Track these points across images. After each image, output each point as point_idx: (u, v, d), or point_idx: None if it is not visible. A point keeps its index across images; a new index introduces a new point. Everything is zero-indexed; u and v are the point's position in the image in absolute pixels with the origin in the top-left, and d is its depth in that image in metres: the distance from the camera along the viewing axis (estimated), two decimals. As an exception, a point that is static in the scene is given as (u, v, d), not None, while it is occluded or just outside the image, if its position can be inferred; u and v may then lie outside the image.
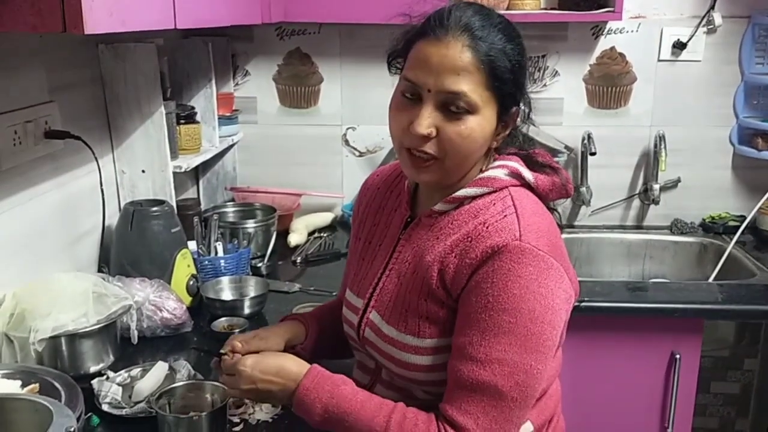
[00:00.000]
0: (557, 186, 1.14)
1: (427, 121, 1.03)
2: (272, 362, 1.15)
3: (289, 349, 1.33)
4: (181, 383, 1.28)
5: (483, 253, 1.02)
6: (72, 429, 0.87)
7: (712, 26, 2.38)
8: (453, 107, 1.03)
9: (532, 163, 1.15)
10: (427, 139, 1.04)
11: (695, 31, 2.39)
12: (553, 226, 1.10)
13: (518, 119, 1.13)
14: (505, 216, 1.05)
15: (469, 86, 1.02)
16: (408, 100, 1.06)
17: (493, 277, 1.00)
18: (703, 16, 2.37)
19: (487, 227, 1.04)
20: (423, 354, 1.09)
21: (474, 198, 1.10)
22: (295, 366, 1.13)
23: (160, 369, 1.41)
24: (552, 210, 1.16)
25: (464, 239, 1.06)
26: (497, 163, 1.13)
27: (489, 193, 1.10)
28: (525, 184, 1.12)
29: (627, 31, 2.42)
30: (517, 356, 1.00)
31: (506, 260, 1.00)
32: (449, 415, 1.02)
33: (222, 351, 1.24)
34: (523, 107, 1.12)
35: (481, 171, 1.13)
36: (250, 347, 1.23)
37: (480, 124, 1.04)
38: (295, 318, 1.39)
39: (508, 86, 1.05)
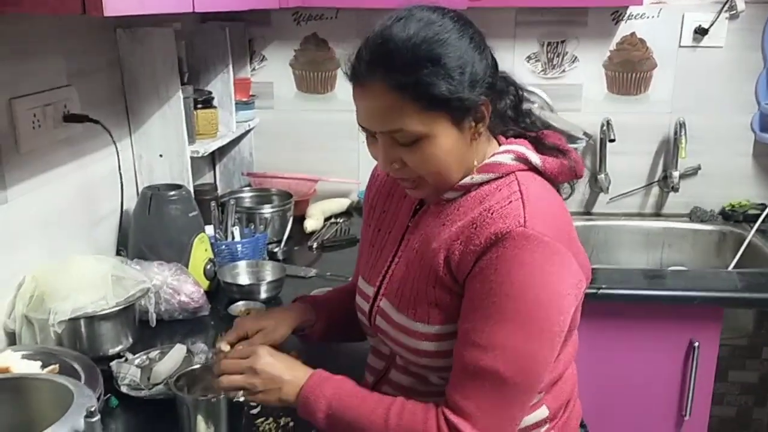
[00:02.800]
0: (566, 168, 1.12)
1: (385, 160, 1.06)
2: (283, 359, 1.15)
3: (298, 332, 1.35)
4: (199, 365, 1.28)
5: (487, 239, 1.01)
6: (92, 409, 0.88)
7: (734, 12, 2.34)
8: (402, 140, 1.02)
9: (540, 146, 1.13)
10: (398, 170, 1.06)
11: (717, 17, 2.35)
12: (561, 211, 1.08)
13: (490, 107, 1.06)
14: (510, 202, 1.04)
15: (404, 120, 1.00)
16: (369, 138, 1.08)
17: (497, 263, 0.99)
18: (726, 2, 2.33)
19: (491, 214, 1.03)
20: (433, 340, 1.08)
21: (481, 184, 1.09)
22: (302, 367, 1.14)
23: (178, 351, 1.42)
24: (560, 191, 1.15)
25: (469, 226, 1.05)
26: (503, 148, 1.11)
27: (496, 179, 1.09)
28: (533, 167, 1.11)
29: (648, 17, 2.39)
30: (520, 342, 0.99)
31: (510, 246, 0.99)
32: (452, 400, 1.02)
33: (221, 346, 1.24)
34: (487, 99, 1.04)
35: (491, 156, 1.11)
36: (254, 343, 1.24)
37: (437, 144, 1.02)
38: (307, 301, 1.39)
39: (446, 98, 0.99)
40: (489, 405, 1.00)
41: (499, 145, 1.13)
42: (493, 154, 1.10)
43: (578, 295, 1.06)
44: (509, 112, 1.15)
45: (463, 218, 1.07)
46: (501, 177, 1.08)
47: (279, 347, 1.29)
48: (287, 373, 1.11)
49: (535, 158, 1.10)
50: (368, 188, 1.33)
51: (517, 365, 0.99)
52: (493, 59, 1.07)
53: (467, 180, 1.09)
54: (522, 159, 1.10)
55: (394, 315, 1.13)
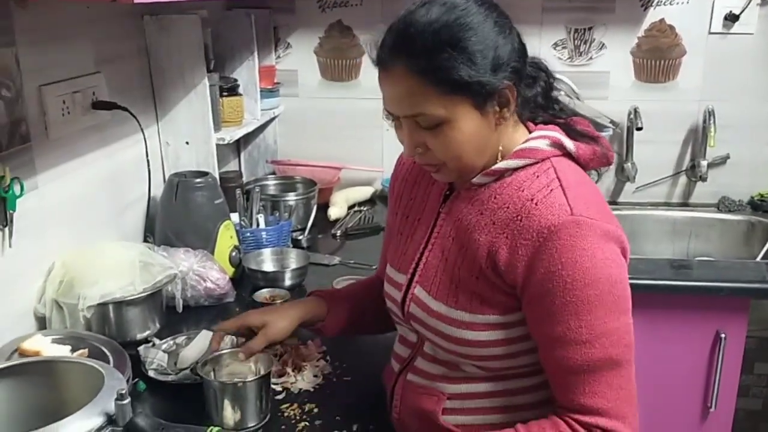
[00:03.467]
0: (598, 154, 1.12)
1: (410, 144, 1.06)
2: None
3: (308, 326, 1.35)
4: (226, 350, 1.29)
5: (539, 234, 1.00)
6: (123, 391, 0.89)
7: (766, -2, 2.31)
8: (425, 123, 1.02)
9: (571, 132, 1.12)
10: (422, 154, 1.06)
11: (748, 3, 2.31)
12: (597, 193, 1.08)
13: (519, 90, 1.05)
14: (552, 190, 1.03)
15: (426, 104, 1.00)
16: (396, 122, 1.08)
17: (561, 258, 0.98)
18: (758, -13, 2.30)
19: (535, 204, 1.02)
20: (477, 330, 1.07)
21: (515, 170, 1.08)
22: None
23: (204, 337, 1.42)
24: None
25: (514, 219, 1.03)
26: (537, 133, 1.10)
27: (531, 165, 1.08)
28: (566, 153, 1.10)
29: (677, 3, 2.36)
30: (616, 322, 1.00)
31: (566, 236, 0.99)
32: (577, 403, 1.01)
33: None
34: (512, 83, 1.02)
35: (525, 141, 1.10)
36: (259, 345, 1.26)
37: (460, 128, 1.02)
38: (321, 295, 1.39)
39: (467, 82, 0.99)
40: (615, 392, 1.01)
41: (529, 131, 1.12)
42: (528, 140, 1.10)
43: (627, 264, 1.08)
44: (540, 99, 1.14)
45: (503, 208, 1.06)
46: (536, 163, 1.08)
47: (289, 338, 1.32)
48: None
49: (569, 144, 1.10)
50: (393, 177, 1.33)
51: (621, 344, 1.01)
52: (521, 44, 1.06)
53: (501, 165, 1.08)
54: (557, 145, 1.09)
55: (431, 303, 1.12)
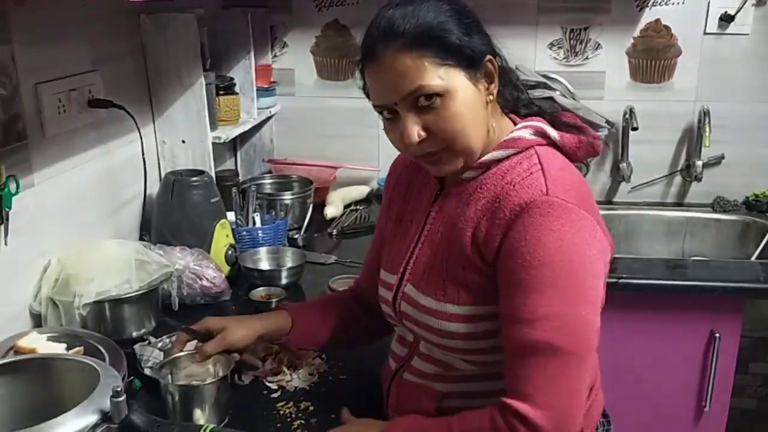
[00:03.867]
0: (584, 143, 1.13)
1: (412, 129, 1.05)
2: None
3: (272, 340, 1.35)
4: (183, 353, 1.28)
5: (511, 211, 1.01)
6: (118, 389, 0.89)
7: (761, -2, 2.31)
8: (424, 101, 1.03)
9: (557, 124, 1.14)
10: (424, 141, 1.06)
11: (743, 4, 2.32)
12: (581, 182, 1.08)
13: (499, 66, 1.09)
14: (531, 173, 1.04)
15: (421, 77, 1.01)
16: (389, 119, 1.08)
17: (525, 234, 0.99)
18: (753, -12, 2.31)
19: (514, 186, 1.04)
20: (461, 321, 1.08)
21: (501, 161, 1.10)
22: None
23: (199, 335, 1.43)
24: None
25: (493, 201, 1.05)
26: (522, 124, 1.12)
27: (515, 154, 1.09)
28: (551, 143, 1.11)
29: (673, 3, 2.37)
30: (565, 308, 0.98)
31: (536, 215, 0.99)
32: (507, 384, 1.00)
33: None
34: (496, 55, 1.08)
35: (511, 132, 1.12)
36: (214, 349, 1.26)
37: (458, 98, 1.03)
38: (286, 309, 1.38)
39: (458, 46, 1.03)
40: (544, 380, 0.97)
41: (515, 124, 1.14)
42: (513, 131, 1.11)
43: (606, 263, 1.07)
44: (515, 93, 1.16)
45: (486, 195, 1.07)
46: (521, 152, 1.09)
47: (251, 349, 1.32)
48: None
49: (553, 133, 1.11)
50: (388, 180, 1.33)
51: (566, 332, 0.97)
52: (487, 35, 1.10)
53: (487, 157, 1.09)
54: (541, 133, 1.11)
55: (421, 298, 1.13)
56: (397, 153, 1.37)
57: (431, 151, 1.07)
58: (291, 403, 1.29)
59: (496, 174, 1.09)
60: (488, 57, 1.06)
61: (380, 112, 1.09)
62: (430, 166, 1.11)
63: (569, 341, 0.98)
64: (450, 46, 1.02)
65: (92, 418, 0.89)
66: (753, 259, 2.15)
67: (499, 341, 1.07)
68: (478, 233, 1.06)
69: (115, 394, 0.89)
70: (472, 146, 1.07)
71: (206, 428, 0.96)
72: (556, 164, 1.06)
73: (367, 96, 1.13)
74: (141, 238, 1.84)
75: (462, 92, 1.04)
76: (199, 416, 1.20)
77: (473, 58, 1.04)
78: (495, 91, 1.08)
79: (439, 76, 1.02)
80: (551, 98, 2.23)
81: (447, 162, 1.08)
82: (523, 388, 0.98)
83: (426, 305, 1.12)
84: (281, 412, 1.27)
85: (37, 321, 1.46)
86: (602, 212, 1.11)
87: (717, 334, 1.92)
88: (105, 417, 0.90)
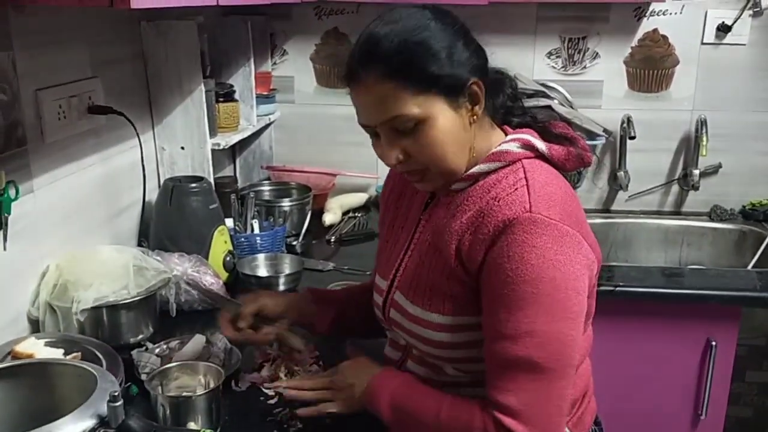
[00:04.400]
0: (573, 155, 1.13)
1: (390, 152, 1.07)
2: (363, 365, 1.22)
3: (305, 325, 1.39)
4: (174, 364, 1.28)
5: (495, 227, 1.02)
6: (116, 393, 0.90)
7: (758, 9, 2.33)
8: (402, 126, 1.04)
9: (548, 135, 1.14)
10: (404, 162, 1.08)
11: (740, 14, 2.34)
12: (567, 195, 1.09)
13: (487, 84, 1.09)
14: (516, 189, 1.05)
15: (401, 106, 1.02)
16: (374, 136, 1.10)
17: (509, 251, 1.00)
18: (750, -1, 2.32)
19: (498, 201, 1.05)
20: (447, 331, 1.10)
21: (488, 173, 1.10)
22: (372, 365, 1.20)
23: (197, 341, 1.43)
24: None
25: (478, 215, 1.06)
26: (510, 137, 1.13)
27: (503, 167, 1.10)
28: (540, 155, 1.12)
29: (670, 13, 2.38)
30: (546, 325, 0.99)
31: (519, 232, 1.00)
32: (492, 398, 1.02)
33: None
34: (477, 78, 1.06)
35: (498, 145, 1.12)
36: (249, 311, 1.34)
37: (436, 125, 1.04)
38: (311, 292, 1.43)
39: (436, 75, 1.03)
40: (529, 395, 1.00)
41: (506, 135, 1.14)
42: (500, 143, 1.12)
43: (592, 277, 1.08)
44: (509, 103, 1.17)
45: (472, 208, 1.08)
46: (508, 165, 1.10)
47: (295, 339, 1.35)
48: (362, 374, 1.17)
49: (541, 145, 1.11)
50: (384, 188, 1.36)
51: (547, 349, 1.00)
52: (481, 49, 1.10)
53: (475, 169, 1.10)
54: (528, 146, 1.11)
55: (408, 307, 1.14)
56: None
57: (412, 170, 1.09)
58: (288, 410, 1.29)
59: (483, 187, 1.09)
60: (472, 81, 1.05)
61: (365, 130, 1.11)
62: (414, 183, 1.14)
63: (550, 357, 1.00)
64: (430, 76, 1.02)
65: (89, 423, 0.90)
66: (750, 267, 2.16)
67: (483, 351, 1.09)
68: (462, 246, 1.07)
69: (112, 398, 0.90)
70: (451, 168, 1.08)
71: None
72: (541, 179, 1.07)
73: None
74: (139, 244, 1.85)
75: (442, 119, 1.04)
76: (192, 427, 1.19)
77: (454, 86, 1.05)
78: (480, 112, 1.09)
79: (418, 104, 1.02)
80: (549, 107, 2.24)
81: (428, 180, 1.11)
82: (504, 399, 1.01)
83: (413, 314, 1.13)
84: (278, 419, 1.27)
85: (35, 326, 1.46)
86: (600, 221, 1.11)
87: (714, 342, 1.92)
88: (102, 421, 0.90)
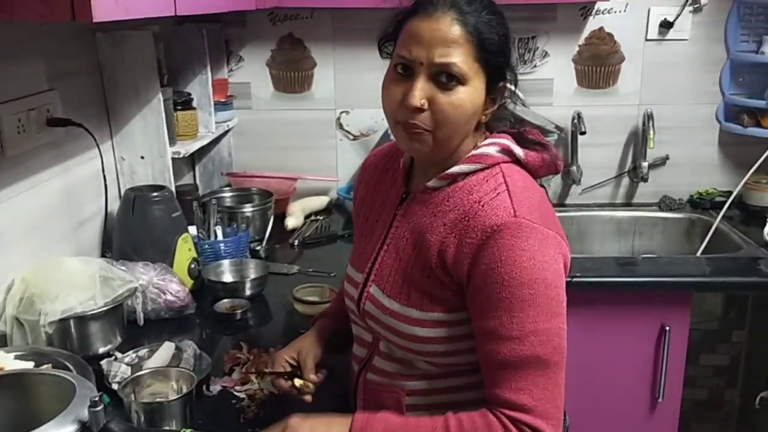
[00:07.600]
0: (547, 162, 1.18)
1: (419, 93, 1.07)
2: (317, 419, 1.13)
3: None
4: (146, 371, 1.29)
5: (482, 233, 1.06)
6: (96, 398, 0.91)
7: (698, 5, 2.42)
8: (444, 78, 1.07)
9: (522, 141, 1.19)
10: (420, 111, 1.08)
11: (682, 11, 2.43)
12: (543, 199, 1.14)
13: (505, 95, 1.16)
14: (498, 194, 1.09)
15: (460, 57, 1.06)
16: (401, 75, 1.10)
17: (500, 256, 1.04)
18: (689, -4, 2.41)
19: (482, 205, 1.08)
20: (427, 326, 1.13)
21: (467, 174, 1.14)
22: (339, 417, 1.13)
23: (166, 349, 1.45)
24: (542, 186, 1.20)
25: (462, 219, 1.09)
26: (489, 140, 1.17)
27: (481, 170, 1.14)
28: (516, 160, 1.16)
29: (615, 11, 2.46)
30: (547, 323, 1.04)
31: (507, 237, 1.04)
32: (504, 398, 1.05)
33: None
34: (510, 84, 1.15)
35: (475, 147, 1.16)
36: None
37: (470, 95, 1.08)
38: (324, 316, 1.43)
39: (496, 59, 1.10)
40: (540, 391, 1.04)
41: (485, 138, 1.19)
42: (479, 146, 1.16)
43: (565, 275, 1.13)
44: (502, 111, 1.21)
45: (454, 210, 1.11)
46: (486, 168, 1.14)
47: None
48: (332, 428, 1.10)
49: (518, 151, 1.16)
50: (358, 181, 1.38)
51: (551, 345, 1.05)
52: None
53: (455, 169, 1.14)
54: (506, 151, 1.16)
55: (385, 300, 1.17)
56: (356, 163, 1.41)
57: (420, 122, 1.09)
58: (261, 412, 1.31)
59: (464, 188, 1.13)
60: (502, 84, 1.13)
61: (395, 69, 1.11)
62: (405, 138, 1.12)
63: (552, 353, 1.05)
64: (490, 50, 1.08)
65: (71, 429, 0.91)
66: (699, 254, 2.24)
67: (460, 345, 1.13)
68: (445, 248, 1.10)
69: (93, 404, 0.91)
70: (452, 139, 1.12)
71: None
72: (520, 184, 1.12)
73: (380, 46, 1.17)
74: (103, 255, 1.84)
75: (475, 93, 1.09)
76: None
77: (498, 77, 1.11)
78: (489, 114, 1.15)
79: (470, 66, 1.07)
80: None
81: (423, 141, 1.10)
82: (522, 400, 1.04)
83: (390, 308, 1.16)
84: (249, 420, 1.29)
85: (2, 341, 1.45)
86: (556, 214, 1.16)
87: (668, 328, 1.99)
88: (84, 427, 0.91)
